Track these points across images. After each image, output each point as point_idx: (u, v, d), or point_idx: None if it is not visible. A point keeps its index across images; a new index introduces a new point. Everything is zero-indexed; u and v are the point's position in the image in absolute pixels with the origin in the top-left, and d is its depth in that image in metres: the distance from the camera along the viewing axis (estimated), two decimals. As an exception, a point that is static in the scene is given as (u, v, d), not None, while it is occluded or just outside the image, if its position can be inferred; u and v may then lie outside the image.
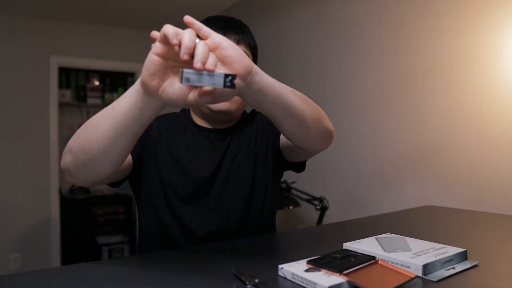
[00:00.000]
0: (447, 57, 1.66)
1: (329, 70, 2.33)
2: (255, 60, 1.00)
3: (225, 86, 0.56)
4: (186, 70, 0.56)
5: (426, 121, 1.75)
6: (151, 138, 0.97)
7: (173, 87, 0.59)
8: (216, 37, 0.60)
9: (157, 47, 0.58)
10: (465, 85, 1.59)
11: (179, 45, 0.56)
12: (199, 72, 0.55)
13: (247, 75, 0.61)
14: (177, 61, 0.60)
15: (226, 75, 0.56)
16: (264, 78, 0.65)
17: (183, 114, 1.05)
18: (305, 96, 0.75)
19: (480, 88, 1.54)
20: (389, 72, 1.93)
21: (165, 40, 0.57)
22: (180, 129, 1.00)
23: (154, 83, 0.59)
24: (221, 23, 0.92)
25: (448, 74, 1.66)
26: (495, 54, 1.49)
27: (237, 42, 0.91)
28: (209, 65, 0.55)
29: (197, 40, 0.57)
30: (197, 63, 0.54)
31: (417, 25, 1.79)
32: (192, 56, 0.56)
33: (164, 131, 0.98)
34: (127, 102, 0.64)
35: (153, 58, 0.58)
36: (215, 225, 0.94)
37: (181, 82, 0.56)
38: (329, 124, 0.81)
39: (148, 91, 0.60)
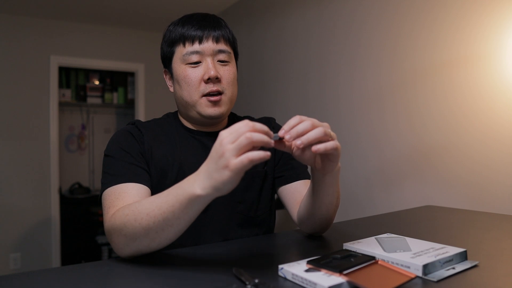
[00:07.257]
0: (447, 57, 1.66)
1: (329, 70, 2.33)
2: (236, 53, 0.97)
3: None
4: None
5: (426, 121, 1.75)
6: (146, 157, 0.91)
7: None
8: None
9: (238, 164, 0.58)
10: (465, 85, 1.59)
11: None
12: None
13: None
14: None
15: None
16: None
17: (170, 118, 1.00)
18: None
19: (480, 88, 1.54)
20: (389, 72, 1.93)
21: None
22: (169, 136, 0.95)
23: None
24: (197, 22, 0.90)
25: (448, 74, 1.66)
26: (495, 54, 1.49)
27: (217, 40, 0.89)
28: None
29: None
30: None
31: (417, 25, 1.79)
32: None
33: (153, 144, 0.92)
34: (195, 210, 0.66)
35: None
36: (214, 238, 0.92)
37: None
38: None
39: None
